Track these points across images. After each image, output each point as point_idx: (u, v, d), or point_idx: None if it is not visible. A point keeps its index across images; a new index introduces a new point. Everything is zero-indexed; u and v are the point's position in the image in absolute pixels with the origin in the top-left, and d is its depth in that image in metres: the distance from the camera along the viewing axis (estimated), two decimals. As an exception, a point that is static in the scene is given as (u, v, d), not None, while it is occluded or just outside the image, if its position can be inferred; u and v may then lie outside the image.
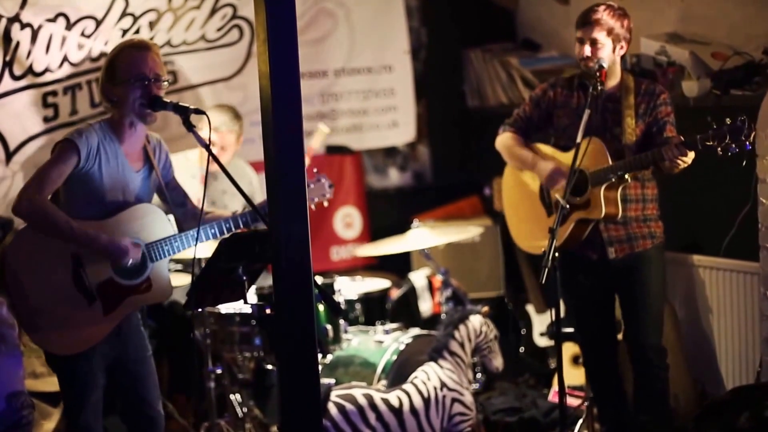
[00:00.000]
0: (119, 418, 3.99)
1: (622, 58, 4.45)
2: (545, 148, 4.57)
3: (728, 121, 3.95)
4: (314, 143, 5.54)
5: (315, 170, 4.26)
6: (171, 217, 3.95)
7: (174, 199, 4.01)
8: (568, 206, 4.07)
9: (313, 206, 4.18)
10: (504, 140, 4.67)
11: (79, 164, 3.68)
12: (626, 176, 4.24)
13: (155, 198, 4.02)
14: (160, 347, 5.16)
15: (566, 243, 4.38)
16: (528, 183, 4.65)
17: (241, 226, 3.92)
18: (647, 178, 4.38)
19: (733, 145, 3.93)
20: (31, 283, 3.69)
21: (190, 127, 3.67)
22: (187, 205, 4.03)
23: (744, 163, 4.07)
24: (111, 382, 3.86)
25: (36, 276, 3.69)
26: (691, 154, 4.06)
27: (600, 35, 4.26)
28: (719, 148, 3.95)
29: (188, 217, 4.00)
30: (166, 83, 3.81)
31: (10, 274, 3.69)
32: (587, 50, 4.27)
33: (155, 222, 3.84)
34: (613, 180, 4.24)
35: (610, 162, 4.24)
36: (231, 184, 3.48)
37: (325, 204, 4.30)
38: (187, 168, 5.25)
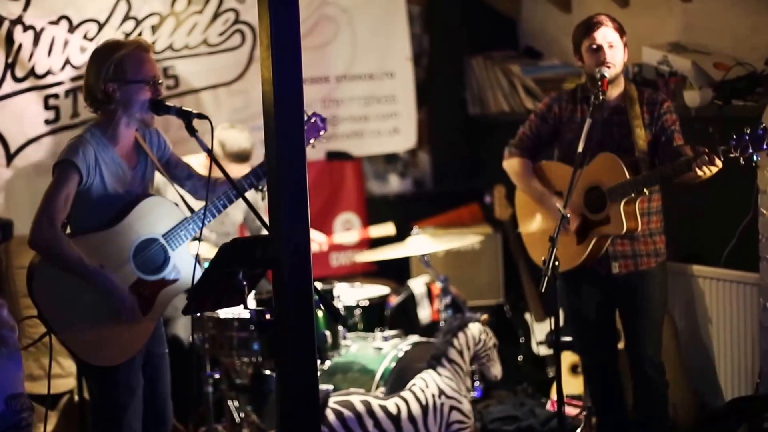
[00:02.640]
0: None
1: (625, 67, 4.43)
2: (558, 166, 4.50)
3: (747, 130, 3.90)
4: (373, 232, 5.86)
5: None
6: (179, 201, 3.93)
7: (178, 175, 3.99)
8: (568, 215, 4.05)
9: (311, 147, 4.12)
10: (513, 167, 4.61)
11: (81, 182, 3.66)
12: (645, 189, 4.20)
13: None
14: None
15: (586, 260, 4.34)
16: None
17: (247, 188, 3.90)
18: (654, 189, 4.34)
19: (755, 154, 3.89)
20: (66, 298, 3.67)
21: (192, 132, 3.67)
22: (194, 176, 4.01)
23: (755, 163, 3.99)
24: None
25: (68, 290, 3.67)
26: (719, 162, 3.98)
27: (614, 37, 4.24)
28: (742, 158, 3.89)
29: (198, 187, 3.98)
30: (162, 85, 3.82)
31: (40, 293, 3.67)
32: (608, 54, 4.21)
33: (165, 212, 3.83)
34: (633, 195, 4.20)
35: (627, 176, 4.19)
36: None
37: (324, 141, 4.23)
38: None
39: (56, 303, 3.66)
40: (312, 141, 4.15)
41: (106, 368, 3.72)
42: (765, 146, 3.86)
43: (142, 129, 3.87)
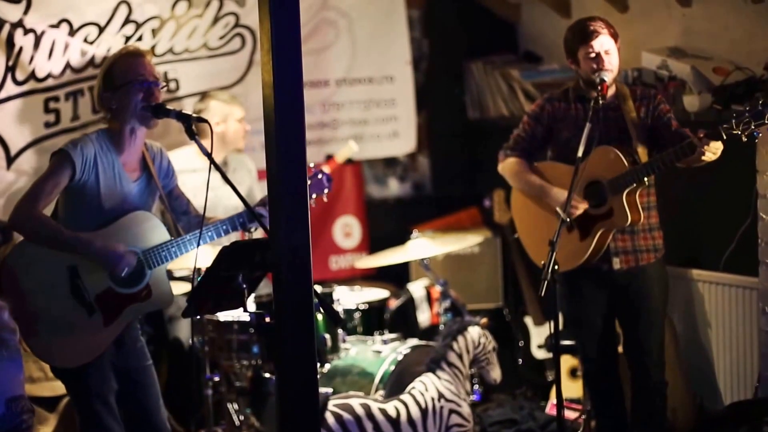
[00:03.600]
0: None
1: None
2: (554, 166, 4.51)
3: (748, 107, 3.93)
4: (339, 157, 5.71)
5: (311, 165, 4.16)
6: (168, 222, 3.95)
7: (176, 208, 4.01)
8: (568, 219, 4.06)
9: (312, 203, 4.13)
10: (510, 166, 4.60)
11: (74, 176, 3.68)
12: (645, 179, 4.22)
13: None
14: (158, 354, 5.15)
15: (590, 256, 4.34)
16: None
17: (238, 227, 3.91)
18: (651, 183, 4.36)
19: (757, 131, 3.91)
20: (31, 296, 3.68)
21: (192, 135, 3.67)
22: (191, 212, 4.04)
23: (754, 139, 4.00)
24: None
25: (34, 289, 3.69)
26: (720, 143, 4.00)
27: (611, 44, 4.26)
28: (743, 135, 3.92)
29: (192, 225, 4.00)
30: (165, 88, 3.83)
31: (8, 287, 3.68)
32: (606, 60, 4.23)
33: (151, 229, 3.83)
34: (635, 185, 4.22)
35: (627, 166, 4.21)
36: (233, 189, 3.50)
37: (325, 199, 4.24)
38: (188, 162, 5.19)
39: (18, 293, 3.67)
40: (314, 196, 4.15)
41: (75, 375, 3.74)
42: (766, 120, 3.87)
43: (152, 152, 3.91)
